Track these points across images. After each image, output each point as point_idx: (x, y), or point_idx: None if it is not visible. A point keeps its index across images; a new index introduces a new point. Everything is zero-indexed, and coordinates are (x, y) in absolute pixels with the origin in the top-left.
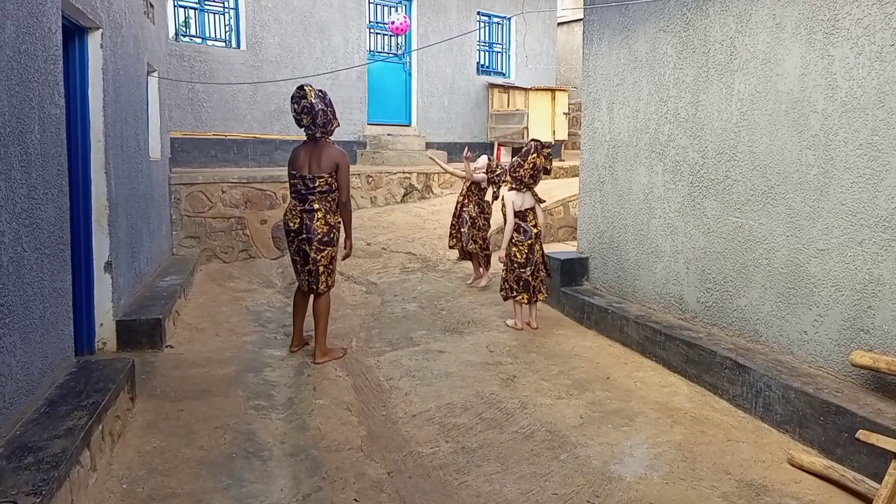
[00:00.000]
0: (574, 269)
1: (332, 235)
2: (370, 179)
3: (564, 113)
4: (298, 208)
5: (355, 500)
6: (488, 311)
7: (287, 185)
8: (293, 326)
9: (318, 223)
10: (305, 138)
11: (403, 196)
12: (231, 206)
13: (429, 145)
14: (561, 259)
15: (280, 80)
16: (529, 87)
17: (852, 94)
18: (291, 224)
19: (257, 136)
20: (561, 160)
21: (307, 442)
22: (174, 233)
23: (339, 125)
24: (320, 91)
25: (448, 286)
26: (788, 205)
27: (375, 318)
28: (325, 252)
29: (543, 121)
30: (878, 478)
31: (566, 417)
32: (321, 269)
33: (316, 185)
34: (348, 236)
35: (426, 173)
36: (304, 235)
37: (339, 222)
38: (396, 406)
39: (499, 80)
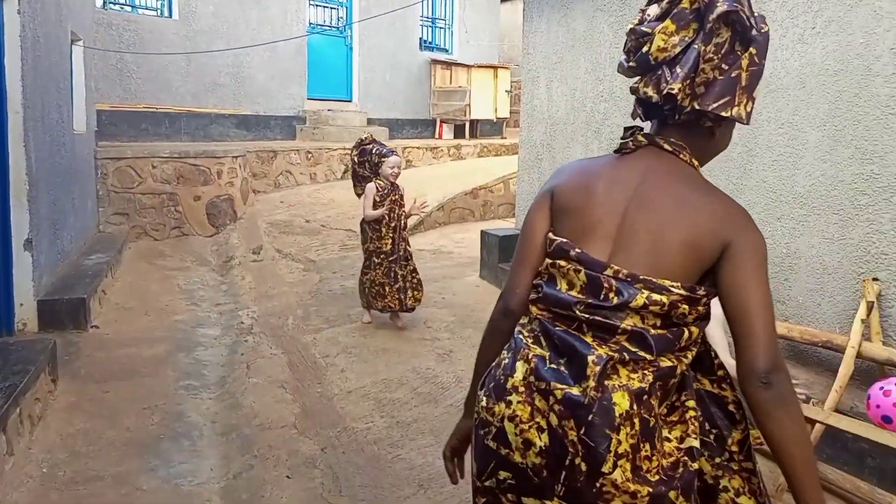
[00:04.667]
0: (512, 246)
1: None
2: (309, 155)
3: (507, 90)
4: None
5: (287, 476)
6: (427, 287)
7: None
8: None
9: None
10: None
11: (343, 173)
12: (162, 182)
13: (370, 121)
14: (499, 235)
15: (215, 51)
16: (472, 64)
17: (776, 74)
18: None
19: (191, 109)
20: (503, 138)
21: (239, 421)
22: (101, 209)
23: None
24: None
25: None
26: (714, 181)
27: (313, 296)
28: None
29: (486, 98)
30: None
31: None
32: None
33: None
34: None
35: None
36: None
37: None
38: (332, 383)
39: (442, 57)
